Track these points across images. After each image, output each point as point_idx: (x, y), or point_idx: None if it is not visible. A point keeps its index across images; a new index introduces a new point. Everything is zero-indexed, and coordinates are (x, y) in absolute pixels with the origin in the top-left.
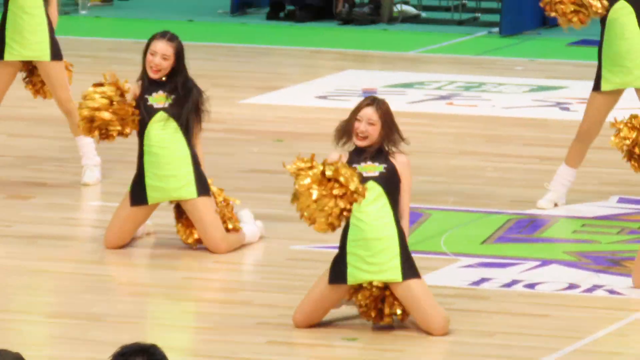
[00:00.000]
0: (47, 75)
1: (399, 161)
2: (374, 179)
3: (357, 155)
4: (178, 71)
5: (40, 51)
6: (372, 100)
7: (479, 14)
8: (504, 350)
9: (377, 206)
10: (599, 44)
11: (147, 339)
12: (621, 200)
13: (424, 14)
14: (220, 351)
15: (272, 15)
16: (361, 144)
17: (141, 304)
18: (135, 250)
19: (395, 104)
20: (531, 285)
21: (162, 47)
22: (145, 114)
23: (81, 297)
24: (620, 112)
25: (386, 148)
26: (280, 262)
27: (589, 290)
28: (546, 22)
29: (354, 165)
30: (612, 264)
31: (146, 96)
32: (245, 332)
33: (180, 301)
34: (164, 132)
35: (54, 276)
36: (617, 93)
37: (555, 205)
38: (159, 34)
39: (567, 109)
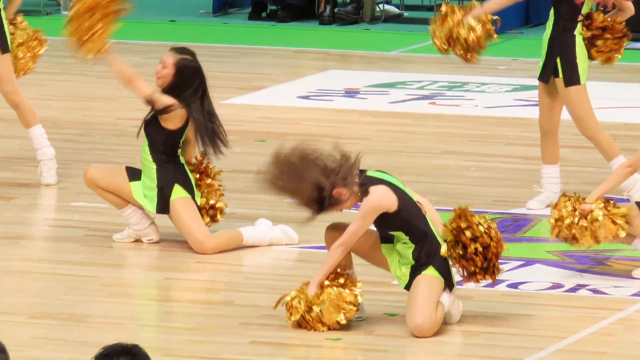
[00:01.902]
0: None
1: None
2: None
3: None
4: (176, 87)
5: None
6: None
7: None
8: (488, 350)
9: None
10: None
11: (130, 339)
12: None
13: (406, 14)
14: (203, 352)
15: (254, 16)
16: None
17: (124, 305)
18: (118, 251)
19: (378, 104)
20: (515, 285)
21: (166, 55)
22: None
23: (64, 298)
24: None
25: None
26: (264, 262)
27: (573, 289)
28: (529, 21)
29: None
30: (595, 263)
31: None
32: (228, 333)
33: (163, 301)
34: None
35: (36, 277)
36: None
37: (549, 206)
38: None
39: None
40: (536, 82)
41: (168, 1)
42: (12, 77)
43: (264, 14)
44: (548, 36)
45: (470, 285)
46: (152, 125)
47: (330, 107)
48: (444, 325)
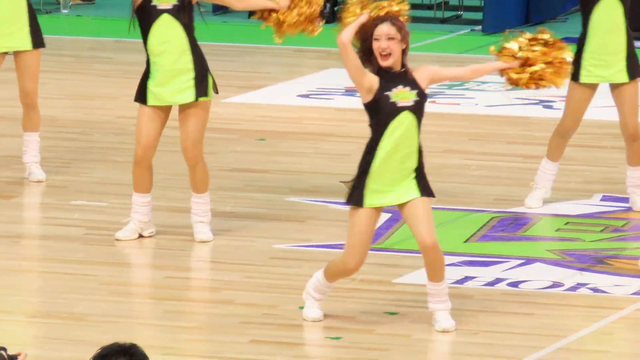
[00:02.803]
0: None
1: (421, 77)
2: (409, 109)
3: (387, 81)
4: None
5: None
6: (384, 18)
7: (462, 12)
8: (488, 349)
9: (407, 136)
10: (582, 36)
11: (130, 338)
12: (605, 198)
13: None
14: (203, 350)
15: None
16: (386, 63)
17: (124, 304)
18: (118, 249)
19: None
20: (515, 284)
21: None
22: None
23: (64, 297)
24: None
25: (409, 67)
26: (263, 261)
27: (573, 288)
28: (529, 20)
29: (386, 93)
30: (595, 262)
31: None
32: (228, 332)
33: (163, 300)
34: (167, 33)
35: (36, 276)
36: (594, 87)
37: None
38: None
39: (551, 107)
40: None
41: None
42: (38, 76)
43: None
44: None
45: (470, 284)
46: (181, 9)
47: (331, 105)
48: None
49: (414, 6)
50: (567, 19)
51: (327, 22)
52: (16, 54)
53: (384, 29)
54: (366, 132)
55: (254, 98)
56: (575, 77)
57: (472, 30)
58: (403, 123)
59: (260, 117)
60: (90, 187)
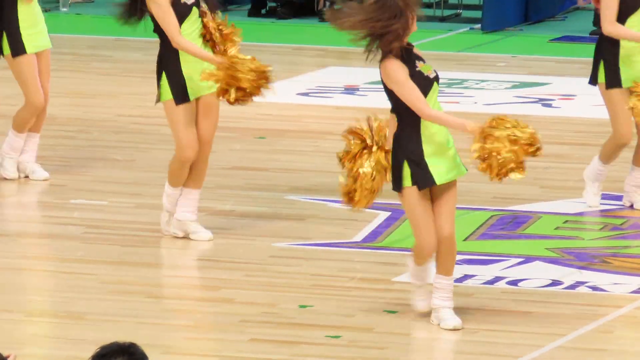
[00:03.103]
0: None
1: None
2: (436, 79)
3: (408, 59)
4: None
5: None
6: None
7: (461, 10)
8: (488, 347)
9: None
10: (602, 40)
11: (129, 337)
12: (604, 197)
13: None
14: (203, 349)
15: (254, 12)
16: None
17: (123, 302)
18: (117, 248)
19: (378, 101)
20: (514, 282)
21: None
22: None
23: (63, 295)
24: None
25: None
26: (263, 259)
27: (572, 286)
28: (528, 19)
29: (417, 69)
30: (595, 260)
31: None
32: (228, 330)
33: (162, 299)
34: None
35: (35, 274)
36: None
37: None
38: None
39: (550, 105)
40: (535, 78)
41: None
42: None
43: (263, 11)
44: None
45: (469, 282)
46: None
47: (330, 104)
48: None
49: None
50: (566, 17)
51: (326, 20)
52: (39, 53)
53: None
54: None
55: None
56: (615, 83)
57: (471, 28)
58: (435, 93)
59: (260, 115)
60: (89, 186)
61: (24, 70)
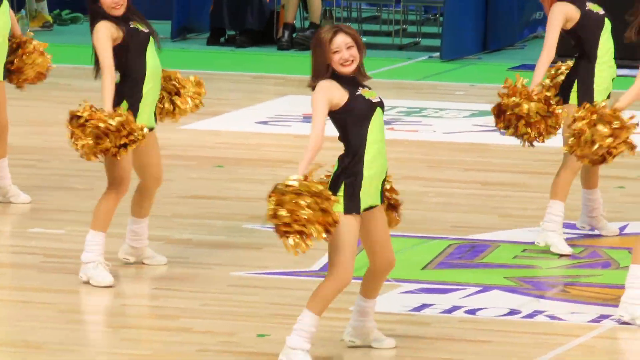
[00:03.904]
0: None
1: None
2: (379, 105)
3: (350, 85)
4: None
5: None
6: (332, 28)
7: (420, 39)
8: None
9: (382, 133)
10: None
11: None
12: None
13: (364, 39)
14: None
15: (213, 41)
16: (350, 69)
17: (81, 332)
18: (76, 277)
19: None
20: (472, 311)
21: None
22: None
23: (20, 325)
24: None
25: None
26: (221, 288)
27: (530, 315)
28: (487, 47)
29: (358, 93)
30: (553, 289)
31: (131, 26)
32: (186, 359)
33: (121, 328)
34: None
35: None
36: None
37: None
38: None
39: None
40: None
41: None
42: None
43: (222, 39)
44: None
45: (427, 311)
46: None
47: (289, 132)
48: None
49: (372, 33)
50: (525, 46)
51: (285, 49)
52: None
53: (341, 39)
54: (324, 159)
55: (213, 125)
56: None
57: (430, 57)
58: (379, 118)
59: (218, 143)
60: (48, 215)
61: None
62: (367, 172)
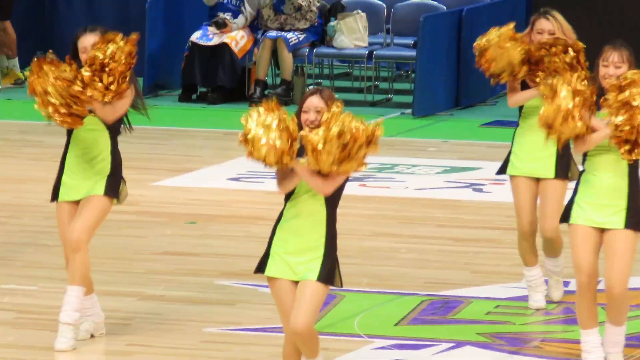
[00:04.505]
0: None
1: None
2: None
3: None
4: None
5: None
6: (315, 90)
7: (392, 95)
8: None
9: (316, 204)
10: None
11: None
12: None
13: (337, 96)
14: None
15: (185, 97)
16: None
17: None
18: (49, 334)
19: None
20: None
21: (90, 40)
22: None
23: None
24: None
25: None
26: (194, 344)
27: None
28: (459, 104)
29: (298, 158)
30: (526, 345)
31: None
32: None
33: None
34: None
35: None
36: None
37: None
38: (82, 29)
39: (481, 190)
40: (466, 163)
41: None
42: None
43: (194, 96)
44: None
45: None
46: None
47: (261, 189)
48: None
49: (344, 89)
50: (497, 102)
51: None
52: None
53: (314, 102)
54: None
55: (185, 181)
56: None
57: (402, 113)
58: (305, 186)
59: (190, 200)
60: (20, 271)
61: None
62: (280, 229)
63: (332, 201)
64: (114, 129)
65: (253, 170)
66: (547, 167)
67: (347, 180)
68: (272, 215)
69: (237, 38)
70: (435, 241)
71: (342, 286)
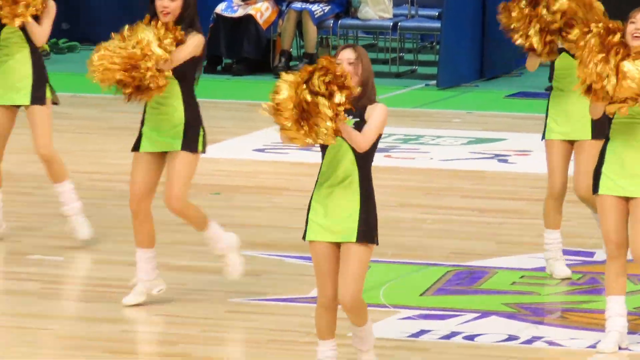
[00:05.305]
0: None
1: (372, 107)
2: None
3: None
4: (189, 14)
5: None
6: (348, 45)
7: (416, 67)
8: None
9: (347, 165)
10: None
11: None
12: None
13: None
14: None
15: (209, 69)
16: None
17: (80, 358)
18: (74, 303)
19: None
20: (471, 337)
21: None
22: None
23: (19, 351)
24: None
25: (364, 101)
26: (219, 314)
27: (529, 341)
28: (484, 75)
29: None
30: (551, 315)
31: None
32: None
33: (119, 354)
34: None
35: None
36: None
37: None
38: None
39: (506, 161)
40: (491, 134)
41: None
42: (47, 130)
43: (219, 68)
44: None
45: (425, 337)
46: (181, 66)
47: (286, 160)
48: None
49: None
50: (522, 74)
51: None
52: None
53: (346, 54)
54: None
55: (210, 152)
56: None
57: (427, 85)
58: (335, 149)
59: (215, 171)
60: (46, 242)
61: None
62: (316, 195)
63: (363, 160)
64: (183, 76)
65: (278, 141)
66: (583, 128)
67: (379, 138)
68: (297, 186)
69: (261, 9)
70: (460, 212)
71: (377, 244)
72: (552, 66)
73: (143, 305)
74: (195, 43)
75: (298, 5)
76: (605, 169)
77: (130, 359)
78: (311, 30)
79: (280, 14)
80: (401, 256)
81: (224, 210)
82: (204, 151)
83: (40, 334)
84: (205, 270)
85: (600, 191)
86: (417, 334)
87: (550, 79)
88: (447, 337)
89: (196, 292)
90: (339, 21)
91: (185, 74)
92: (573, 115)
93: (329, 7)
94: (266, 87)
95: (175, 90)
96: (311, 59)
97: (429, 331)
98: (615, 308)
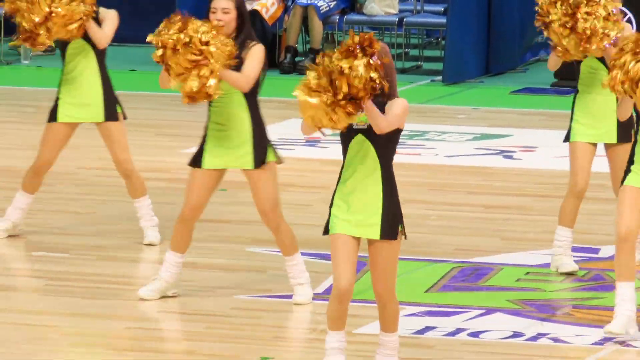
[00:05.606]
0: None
1: (392, 102)
2: (361, 131)
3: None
4: (245, 26)
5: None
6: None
7: (422, 63)
8: None
9: (369, 161)
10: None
11: None
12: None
13: None
14: None
15: None
16: None
17: (85, 354)
18: (79, 300)
19: (339, 153)
20: (475, 334)
21: (217, 2)
22: None
23: (23, 348)
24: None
25: (385, 99)
26: (224, 311)
27: (533, 338)
28: (489, 71)
29: None
30: (556, 311)
31: None
32: None
33: (124, 351)
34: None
35: None
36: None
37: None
38: None
39: (511, 157)
40: (496, 130)
41: (128, 51)
42: (125, 145)
43: None
44: None
45: (430, 334)
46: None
47: (292, 156)
48: None
49: None
50: (527, 69)
51: (287, 72)
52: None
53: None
54: (327, 182)
55: None
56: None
57: (432, 80)
58: (357, 144)
59: None
60: (51, 238)
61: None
62: (339, 191)
63: (385, 157)
64: (251, 90)
65: (283, 137)
66: (609, 131)
67: (400, 134)
68: (303, 182)
69: (267, 5)
70: (465, 208)
71: (406, 238)
72: (577, 68)
73: (148, 301)
74: (261, 55)
75: (304, 0)
76: (634, 167)
77: (135, 356)
78: (317, 25)
79: (286, 10)
80: (406, 252)
81: (230, 206)
82: (279, 161)
83: (45, 330)
84: (210, 267)
85: (626, 182)
86: (422, 331)
87: (556, 74)
88: (452, 333)
89: (201, 289)
90: (345, 17)
91: (254, 87)
92: (599, 118)
93: (335, 2)
94: (272, 83)
95: (242, 104)
96: (316, 54)
97: (433, 328)
98: (626, 293)
